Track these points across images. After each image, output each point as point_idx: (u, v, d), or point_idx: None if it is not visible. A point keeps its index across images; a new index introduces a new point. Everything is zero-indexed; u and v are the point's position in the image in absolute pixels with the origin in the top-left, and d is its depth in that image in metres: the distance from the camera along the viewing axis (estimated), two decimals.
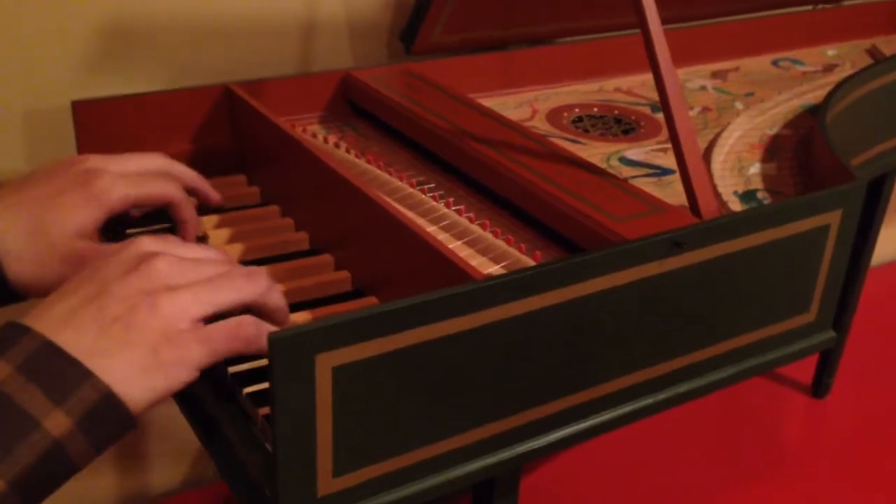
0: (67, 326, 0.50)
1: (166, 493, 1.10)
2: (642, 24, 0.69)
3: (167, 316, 0.51)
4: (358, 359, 0.50)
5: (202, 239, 0.73)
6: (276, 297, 0.56)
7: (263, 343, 0.53)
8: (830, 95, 0.86)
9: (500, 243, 0.67)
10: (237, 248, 0.71)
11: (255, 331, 0.53)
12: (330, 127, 0.89)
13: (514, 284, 0.54)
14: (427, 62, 0.95)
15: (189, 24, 0.90)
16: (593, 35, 1.07)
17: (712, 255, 0.64)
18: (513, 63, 1.01)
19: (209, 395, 0.60)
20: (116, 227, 0.72)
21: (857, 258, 1.28)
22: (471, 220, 0.70)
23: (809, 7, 1.27)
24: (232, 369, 0.59)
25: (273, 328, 0.54)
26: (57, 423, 0.47)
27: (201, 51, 0.92)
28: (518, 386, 0.58)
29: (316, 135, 0.85)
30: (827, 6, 1.28)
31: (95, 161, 0.65)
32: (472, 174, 0.75)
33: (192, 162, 0.83)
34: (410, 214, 0.73)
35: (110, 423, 0.49)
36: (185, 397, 0.71)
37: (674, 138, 0.67)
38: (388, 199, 0.73)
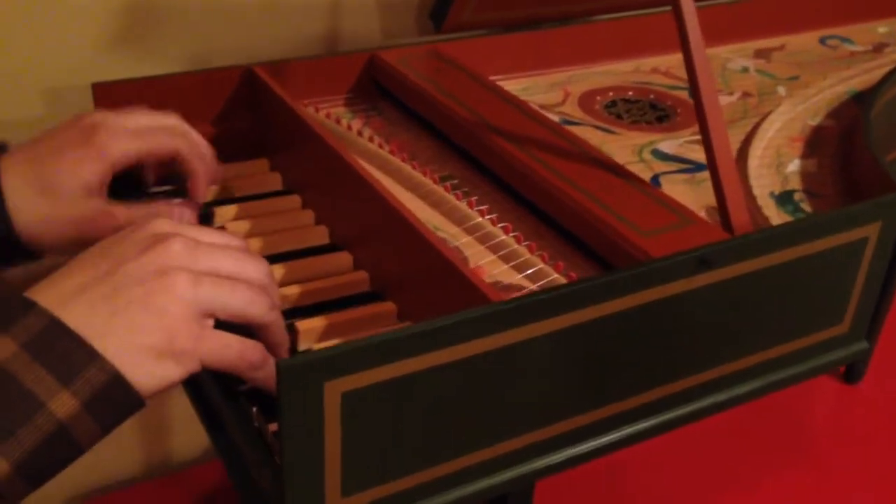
0: (77, 303, 0.48)
1: (189, 462, 1.11)
2: (679, 23, 0.66)
3: (183, 300, 0.49)
4: (367, 384, 0.49)
5: (219, 229, 0.71)
6: (280, 322, 0.55)
7: (263, 376, 0.53)
8: (875, 91, 0.82)
9: (523, 250, 0.66)
10: (255, 243, 0.70)
11: (261, 361, 0.52)
12: (356, 110, 0.87)
13: (528, 309, 0.52)
14: (457, 42, 0.92)
15: (212, 3, 0.88)
16: (630, 12, 1.03)
17: (742, 272, 0.61)
18: (546, 42, 0.97)
19: (217, 394, 0.59)
20: (132, 191, 0.70)
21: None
22: (493, 223, 0.68)
23: None
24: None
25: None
26: (63, 404, 0.46)
27: (225, 30, 0.90)
28: (533, 405, 0.56)
29: (340, 120, 0.83)
30: None
31: (101, 115, 0.63)
32: (497, 172, 0.73)
33: (214, 144, 0.82)
34: (431, 214, 0.71)
35: (118, 405, 0.47)
36: (195, 392, 0.71)
37: (707, 146, 0.64)
38: (405, 198, 0.72)
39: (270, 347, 0.55)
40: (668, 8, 1.04)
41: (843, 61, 1.07)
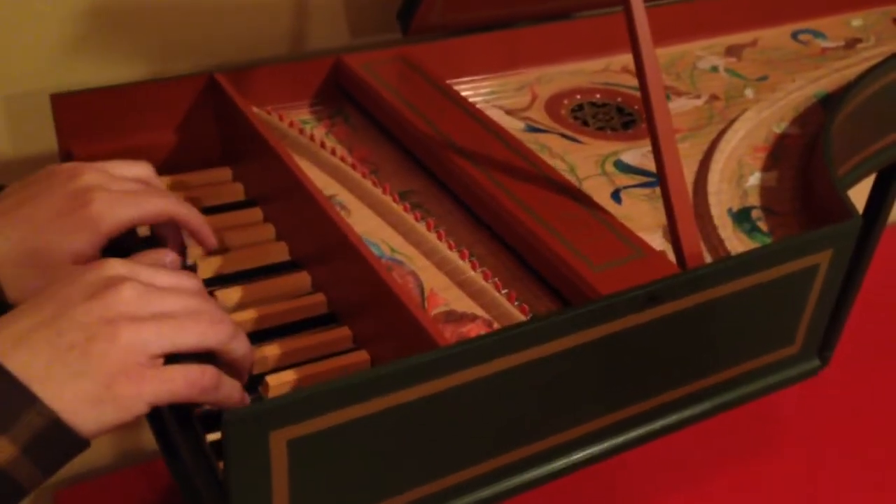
0: (20, 348, 0.48)
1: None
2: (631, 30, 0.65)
3: (126, 348, 0.49)
4: (313, 431, 0.50)
5: (182, 252, 0.71)
6: (240, 346, 0.55)
7: (220, 396, 0.53)
8: (836, 106, 0.82)
9: (477, 277, 0.66)
10: (214, 262, 0.70)
11: (214, 383, 0.52)
12: (321, 115, 0.87)
13: (466, 355, 0.53)
14: (425, 44, 0.92)
15: (173, 4, 0.87)
16: (601, 10, 1.02)
17: (692, 304, 0.62)
18: (516, 41, 0.97)
19: (173, 423, 0.60)
20: (120, 250, 0.69)
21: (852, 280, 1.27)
22: (450, 247, 0.69)
23: None
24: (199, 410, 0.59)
25: (234, 382, 0.54)
26: (1, 450, 0.46)
27: (187, 31, 0.89)
28: (478, 441, 0.58)
29: (303, 129, 0.83)
30: None
31: (93, 177, 0.62)
32: (455, 191, 0.74)
33: (177, 153, 0.82)
34: (389, 234, 0.71)
35: (58, 448, 0.48)
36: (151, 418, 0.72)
37: (661, 174, 0.65)
38: (364, 216, 0.72)
39: (231, 363, 0.55)
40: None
41: (814, 59, 1.07)
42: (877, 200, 1.21)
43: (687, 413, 0.69)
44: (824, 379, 1.34)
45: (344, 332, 0.65)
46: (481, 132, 0.77)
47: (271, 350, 0.63)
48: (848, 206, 0.69)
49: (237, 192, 0.80)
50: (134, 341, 0.50)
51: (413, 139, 0.78)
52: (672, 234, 0.65)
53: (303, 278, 0.70)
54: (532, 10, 0.97)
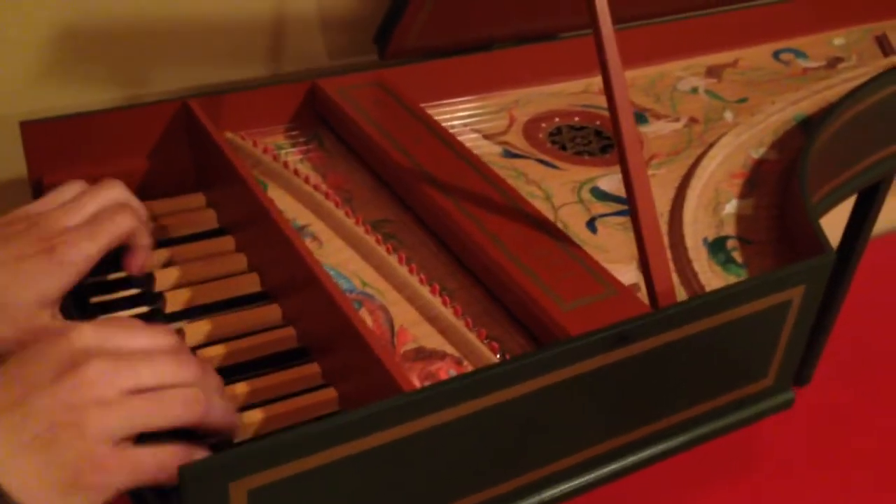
0: None
1: None
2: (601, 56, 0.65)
3: (93, 437, 0.48)
4: (274, 480, 0.49)
5: (149, 278, 0.71)
6: (216, 415, 0.54)
7: None
8: (813, 134, 0.82)
9: (448, 314, 0.66)
10: (185, 294, 0.70)
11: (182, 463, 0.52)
12: (296, 140, 0.86)
13: (436, 399, 0.53)
14: (403, 67, 0.91)
15: (148, 25, 0.86)
16: (581, 31, 1.02)
17: (663, 342, 0.62)
18: (494, 63, 0.96)
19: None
20: (82, 292, 0.69)
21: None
22: (421, 281, 0.68)
23: None
24: None
25: (206, 454, 0.53)
26: None
27: (161, 52, 0.88)
28: (450, 480, 0.57)
29: (277, 155, 0.82)
30: None
31: (57, 219, 0.61)
32: (426, 222, 0.73)
33: (150, 179, 0.82)
34: (361, 267, 0.71)
35: None
36: None
37: (632, 210, 0.64)
38: (336, 248, 0.71)
39: (212, 432, 0.55)
40: (624, 25, 1.04)
41: (795, 80, 1.07)
42: (858, 220, 1.21)
43: (660, 448, 0.69)
44: (805, 399, 1.34)
45: (313, 368, 0.65)
46: (455, 160, 0.77)
47: (237, 388, 0.62)
48: (821, 241, 0.69)
49: (210, 219, 0.79)
50: (100, 429, 0.48)
51: (386, 167, 0.77)
52: (644, 271, 0.64)
53: (273, 311, 0.69)
54: (510, 32, 0.96)
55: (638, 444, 0.67)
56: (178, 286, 0.71)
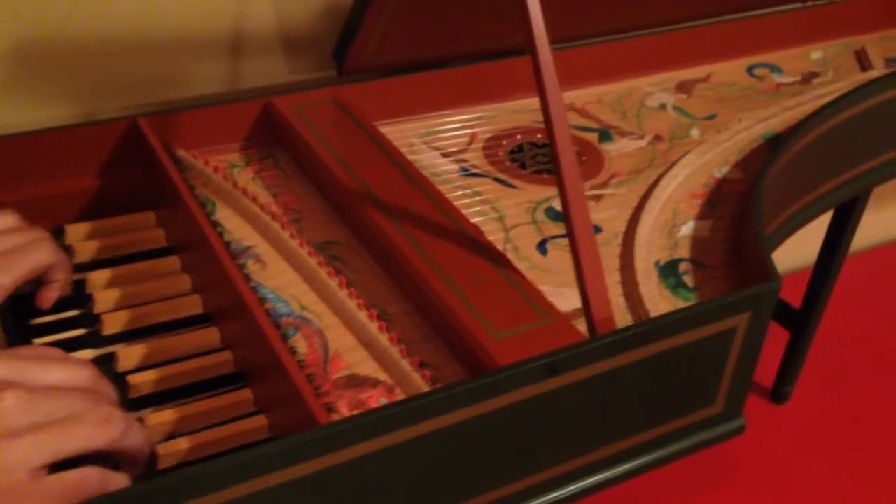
0: None
1: None
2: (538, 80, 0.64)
3: (4, 468, 0.48)
4: None
5: (88, 298, 0.70)
6: (132, 441, 0.53)
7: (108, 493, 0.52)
8: (771, 157, 0.81)
9: (384, 340, 0.65)
10: (122, 316, 0.69)
11: (98, 486, 0.51)
12: (251, 158, 0.86)
13: (365, 428, 0.52)
14: (363, 84, 0.90)
15: (103, 44, 0.86)
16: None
17: (601, 371, 0.61)
18: (458, 79, 0.95)
19: None
20: (20, 317, 0.69)
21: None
22: (360, 306, 0.67)
23: (799, 4, 1.19)
24: None
25: (120, 477, 0.52)
26: None
27: (117, 70, 0.87)
28: None
29: (228, 174, 0.81)
30: (818, 3, 1.20)
31: None
32: (369, 244, 0.72)
33: (101, 197, 0.81)
34: (302, 291, 0.70)
35: None
36: None
37: (570, 234, 0.63)
38: (278, 270, 0.70)
39: (126, 457, 0.54)
40: (585, 42, 1.03)
41: (768, 96, 1.05)
42: (835, 235, 1.20)
43: (605, 475, 0.68)
44: (785, 416, 1.33)
45: (246, 394, 0.64)
46: (402, 181, 0.76)
47: (167, 415, 0.61)
48: (769, 267, 0.67)
49: (158, 238, 0.79)
50: (12, 460, 0.48)
51: (332, 188, 0.77)
52: (582, 298, 0.63)
53: (212, 335, 0.69)
54: (473, 49, 0.95)
55: (581, 472, 0.66)
56: (118, 307, 0.70)
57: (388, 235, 0.69)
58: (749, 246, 0.72)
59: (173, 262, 0.76)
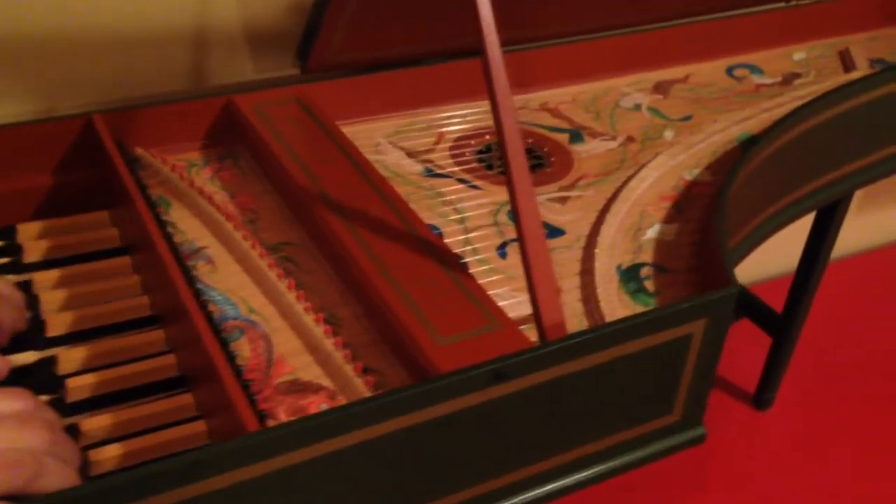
0: None
1: None
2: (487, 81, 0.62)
3: None
4: None
5: (34, 298, 0.69)
6: (48, 481, 0.51)
7: None
8: (739, 161, 0.79)
9: (328, 345, 0.63)
10: (68, 317, 0.68)
11: None
12: (211, 157, 0.84)
13: (293, 436, 0.50)
14: (329, 82, 0.89)
15: (64, 38, 0.84)
16: (517, 47, 0.99)
17: (550, 377, 0.59)
18: (427, 78, 0.94)
19: None
20: None
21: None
22: (307, 310, 0.66)
23: (782, 4, 1.17)
24: None
25: None
26: None
27: (79, 65, 0.86)
28: None
29: (184, 173, 0.80)
30: (801, 3, 1.18)
31: None
32: (323, 248, 0.71)
33: (54, 195, 0.80)
34: (251, 293, 0.68)
35: None
36: None
37: (520, 239, 0.61)
38: (230, 272, 0.69)
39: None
40: (562, 41, 1.01)
41: (746, 97, 1.03)
42: (817, 239, 1.18)
43: (559, 484, 0.66)
44: (767, 423, 1.31)
45: (187, 399, 0.62)
46: (360, 183, 0.74)
47: (103, 420, 0.60)
48: (728, 273, 0.66)
49: (111, 239, 0.77)
50: None
51: (288, 189, 0.75)
52: (532, 303, 0.61)
53: (157, 337, 0.67)
54: (442, 47, 0.94)
55: (534, 481, 0.64)
56: (64, 308, 0.69)
57: (339, 237, 0.67)
58: (710, 251, 0.70)
59: (124, 262, 0.74)
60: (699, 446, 1.28)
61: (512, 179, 0.61)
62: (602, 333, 0.60)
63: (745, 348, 1.31)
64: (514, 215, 0.61)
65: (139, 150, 0.81)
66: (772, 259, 1.49)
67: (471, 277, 0.65)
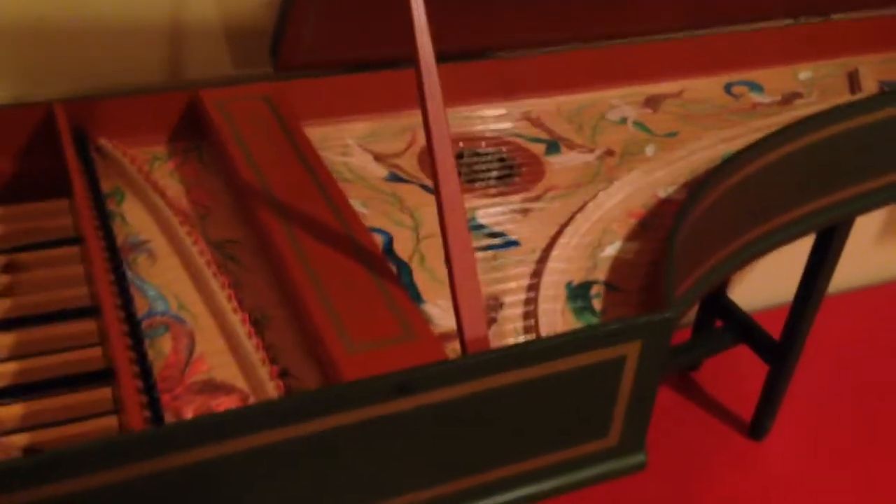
0: None
1: None
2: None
3: None
4: None
5: None
6: None
7: None
8: (706, 182, 0.76)
9: (248, 345, 0.62)
10: (5, 304, 0.68)
11: None
12: (175, 150, 0.84)
13: (164, 439, 0.49)
14: (305, 80, 0.88)
15: (39, 27, 0.84)
16: (500, 54, 0.97)
17: (468, 393, 0.57)
18: (405, 81, 0.92)
19: None
20: None
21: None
22: (235, 310, 0.65)
23: (790, 21, 1.13)
24: None
25: None
26: None
27: (55, 54, 0.86)
28: None
29: (143, 166, 0.80)
30: (810, 20, 1.14)
31: None
32: (262, 248, 0.70)
33: (16, 183, 0.80)
34: (183, 287, 0.68)
35: None
36: None
37: (445, 248, 0.60)
38: (167, 266, 0.68)
39: None
40: (552, 49, 0.99)
41: (739, 115, 1.00)
42: (815, 265, 1.14)
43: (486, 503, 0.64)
44: (763, 453, 1.27)
45: (105, 393, 0.62)
46: (308, 186, 0.73)
47: (16, 410, 0.59)
48: (668, 295, 0.63)
49: (66, 228, 0.77)
50: None
51: (238, 187, 0.74)
52: (455, 314, 0.60)
53: (89, 328, 0.67)
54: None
55: (452, 499, 0.62)
56: (2, 295, 0.69)
57: (274, 237, 0.66)
58: (659, 270, 0.68)
59: (73, 252, 0.74)
60: (694, 475, 1.25)
61: (438, 186, 0.59)
62: (524, 350, 0.58)
63: (743, 375, 1.27)
64: (440, 220, 0.60)
65: (102, 141, 0.81)
66: (772, 287, 1.45)
67: (397, 286, 0.63)
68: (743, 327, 1.25)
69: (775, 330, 1.21)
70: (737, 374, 1.36)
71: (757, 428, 1.28)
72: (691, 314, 1.38)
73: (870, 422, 1.33)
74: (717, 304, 1.29)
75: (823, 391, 1.36)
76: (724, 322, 1.28)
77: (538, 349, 0.58)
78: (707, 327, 1.35)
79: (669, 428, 1.27)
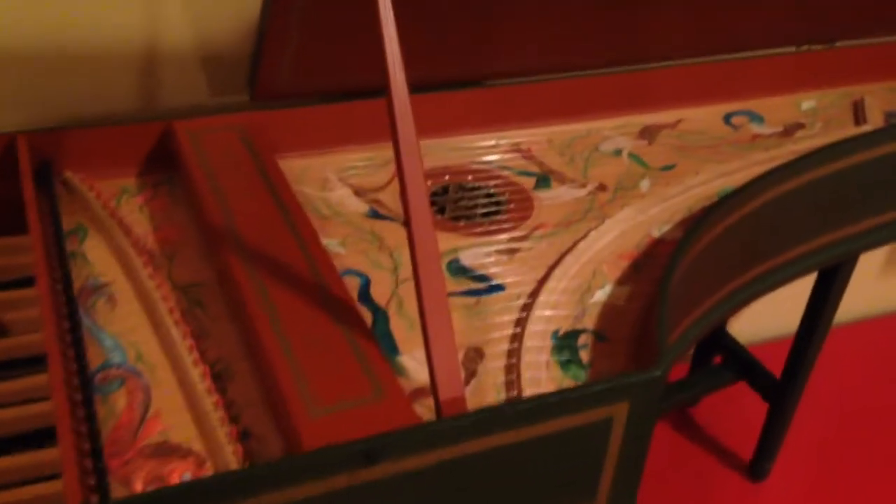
0: None
1: None
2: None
3: None
4: None
5: None
6: None
7: None
8: (696, 226, 0.72)
9: (207, 403, 0.58)
10: None
11: None
12: (145, 183, 0.80)
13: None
14: (283, 111, 0.84)
15: (19, 55, 0.81)
16: (492, 82, 0.93)
17: (438, 460, 0.53)
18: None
19: None
20: None
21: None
22: (196, 362, 0.60)
23: (793, 49, 1.09)
24: None
25: None
26: None
27: (29, 82, 0.82)
28: None
29: (109, 202, 0.76)
30: (814, 47, 1.10)
31: None
32: (226, 293, 0.66)
33: None
34: (143, 337, 0.63)
35: None
36: None
37: (418, 297, 0.55)
38: (127, 311, 0.64)
39: None
40: (545, 77, 0.95)
41: (738, 147, 0.96)
42: (817, 303, 1.09)
43: None
44: (766, 491, 1.22)
45: (52, 454, 0.57)
46: (276, 224, 0.69)
47: None
48: (660, 353, 0.59)
49: (25, 267, 0.73)
50: None
51: (204, 227, 0.70)
52: (430, 374, 0.55)
53: (39, 382, 0.62)
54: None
55: None
56: None
57: (238, 282, 0.62)
58: (650, 325, 0.64)
59: (28, 295, 0.70)
60: None
61: (412, 233, 0.55)
62: (500, 414, 0.53)
63: (743, 412, 1.23)
64: (413, 271, 0.56)
65: (68, 174, 0.78)
66: (772, 321, 1.40)
67: (369, 339, 0.59)
68: (742, 364, 1.20)
69: (776, 364, 1.17)
70: (736, 410, 1.31)
71: (757, 468, 1.23)
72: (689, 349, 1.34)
73: (874, 462, 1.28)
74: (716, 340, 1.24)
75: (826, 429, 1.32)
76: (724, 358, 1.23)
77: (517, 412, 0.54)
78: (706, 363, 1.31)
79: (665, 467, 1.22)
